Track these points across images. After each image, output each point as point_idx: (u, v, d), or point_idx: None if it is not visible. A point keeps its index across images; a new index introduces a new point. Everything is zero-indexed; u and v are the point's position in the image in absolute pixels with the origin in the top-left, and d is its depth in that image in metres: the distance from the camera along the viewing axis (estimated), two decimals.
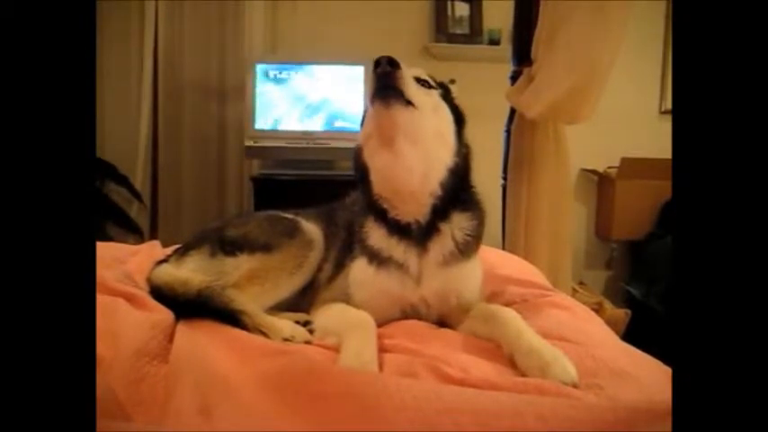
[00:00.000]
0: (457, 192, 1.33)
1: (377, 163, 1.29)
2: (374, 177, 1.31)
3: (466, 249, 1.35)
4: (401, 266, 1.32)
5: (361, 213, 1.38)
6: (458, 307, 1.34)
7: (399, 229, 1.31)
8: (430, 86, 1.33)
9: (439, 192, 1.29)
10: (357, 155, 1.35)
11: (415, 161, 1.25)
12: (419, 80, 1.30)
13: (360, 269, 1.35)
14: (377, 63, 1.21)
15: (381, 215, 1.33)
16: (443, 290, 1.34)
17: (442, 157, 1.29)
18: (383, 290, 1.32)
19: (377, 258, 1.33)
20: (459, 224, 1.34)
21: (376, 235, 1.34)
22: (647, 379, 1.04)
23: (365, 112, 1.38)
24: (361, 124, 1.38)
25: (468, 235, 1.35)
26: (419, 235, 1.31)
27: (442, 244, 1.33)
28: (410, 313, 1.35)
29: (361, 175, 1.34)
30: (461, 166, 1.33)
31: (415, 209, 1.30)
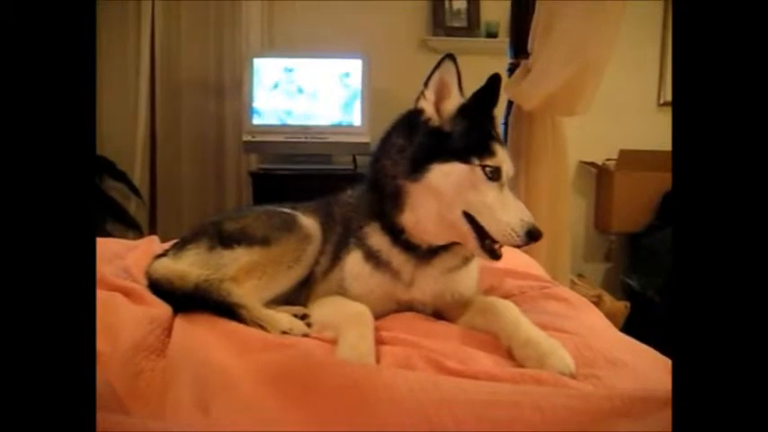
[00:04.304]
0: None
1: (426, 227, 1.27)
2: (410, 222, 1.27)
3: (468, 259, 1.36)
4: (396, 273, 1.31)
5: (365, 214, 1.34)
6: (454, 303, 1.34)
7: (407, 246, 1.30)
8: None
9: None
10: (387, 176, 1.28)
11: None
12: None
13: (355, 263, 1.33)
14: (535, 236, 1.17)
15: (394, 231, 1.29)
16: (440, 292, 1.34)
17: None
18: (377, 286, 1.32)
19: (373, 258, 1.32)
20: None
21: (378, 240, 1.31)
22: (645, 369, 1.05)
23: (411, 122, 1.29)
24: (390, 138, 1.32)
25: None
26: (426, 252, 1.31)
27: (449, 258, 1.33)
28: (405, 309, 1.34)
29: (389, 198, 1.28)
30: None
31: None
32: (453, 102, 1.27)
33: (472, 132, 1.24)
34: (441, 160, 1.22)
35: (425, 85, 1.27)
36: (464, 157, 1.21)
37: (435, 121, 1.26)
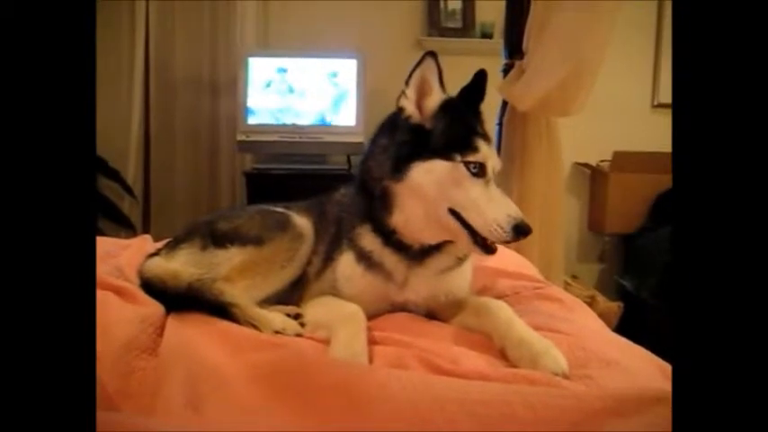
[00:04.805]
0: None
1: (416, 226, 1.26)
2: (399, 222, 1.26)
3: (461, 259, 1.35)
4: (389, 274, 1.31)
5: (357, 215, 1.34)
6: (447, 303, 1.34)
7: (399, 246, 1.29)
8: None
9: None
10: (374, 178, 1.28)
11: None
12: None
13: (347, 264, 1.33)
14: (523, 231, 1.16)
15: (385, 232, 1.29)
16: (433, 292, 1.33)
17: None
18: (370, 287, 1.31)
19: (366, 259, 1.31)
20: None
21: (370, 241, 1.31)
22: (637, 369, 1.05)
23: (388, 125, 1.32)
24: (376, 139, 1.33)
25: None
26: (419, 253, 1.30)
27: (442, 259, 1.32)
28: (399, 309, 1.34)
29: (377, 199, 1.28)
30: None
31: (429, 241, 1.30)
32: (435, 99, 1.27)
33: (454, 129, 1.24)
34: (422, 158, 1.21)
35: (406, 83, 1.27)
36: (446, 154, 1.20)
37: (416, 118, 1.26)
